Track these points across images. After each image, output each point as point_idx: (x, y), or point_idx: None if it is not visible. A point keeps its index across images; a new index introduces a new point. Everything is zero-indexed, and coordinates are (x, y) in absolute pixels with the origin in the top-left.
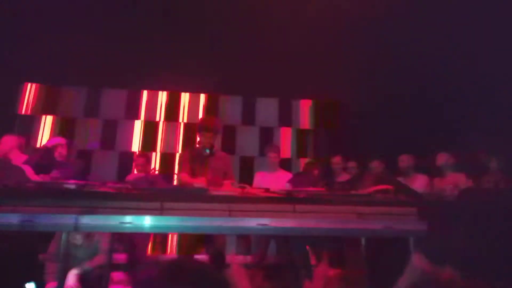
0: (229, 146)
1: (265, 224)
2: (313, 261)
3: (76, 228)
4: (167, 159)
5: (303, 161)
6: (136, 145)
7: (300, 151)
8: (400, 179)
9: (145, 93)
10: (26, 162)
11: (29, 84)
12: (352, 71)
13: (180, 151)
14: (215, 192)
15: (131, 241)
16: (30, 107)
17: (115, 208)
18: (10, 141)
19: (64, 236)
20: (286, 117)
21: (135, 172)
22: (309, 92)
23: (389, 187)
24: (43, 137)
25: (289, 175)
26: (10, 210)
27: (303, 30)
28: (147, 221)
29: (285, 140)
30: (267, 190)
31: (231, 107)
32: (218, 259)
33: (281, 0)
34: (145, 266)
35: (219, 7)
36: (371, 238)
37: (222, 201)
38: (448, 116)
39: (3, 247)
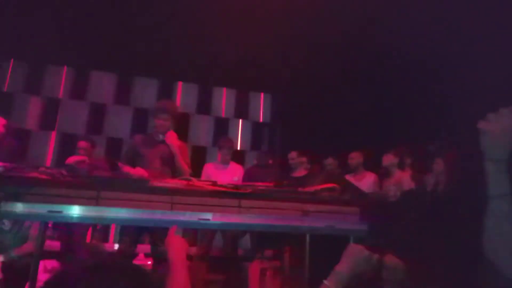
0: (181, 134)
1: (208, 219)
2: (257, 254)
3: None
4: (115, 145)
5: (257, 154)
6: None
7: (255, 143)
8: (350, 176)
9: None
10: None
11: None
12: (310, 65)
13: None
14: (157, 183)
15: (67, 228)
16: None
17: (43, 195)
18: None
19: None
20: (243, 109)
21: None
22: (267, 86)
23: (335, 185)
24: None
25: (239, 168)
26: None
27: (264, 22)
28: (80, 211)
29: (241, 132)
30: (214, 183)
31: (186, 95)
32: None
33: None
34: (79, 256)
35: None
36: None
37: (165, 193)
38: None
39: None
